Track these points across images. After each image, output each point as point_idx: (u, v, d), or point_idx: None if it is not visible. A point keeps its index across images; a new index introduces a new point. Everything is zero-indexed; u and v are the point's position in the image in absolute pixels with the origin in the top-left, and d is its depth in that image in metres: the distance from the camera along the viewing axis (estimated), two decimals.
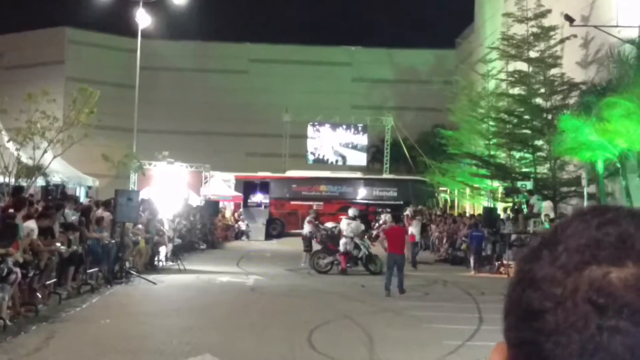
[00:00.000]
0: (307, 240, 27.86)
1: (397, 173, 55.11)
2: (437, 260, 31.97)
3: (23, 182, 25.18)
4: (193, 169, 46.23)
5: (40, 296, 15.61)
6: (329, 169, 56.63)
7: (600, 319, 0.93)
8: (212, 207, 40.33)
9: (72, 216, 20.10)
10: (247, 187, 46.01)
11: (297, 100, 63.08)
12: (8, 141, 26.29)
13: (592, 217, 1.03)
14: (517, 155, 36.32)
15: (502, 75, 37.96)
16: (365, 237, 26.66)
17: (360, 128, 61.62)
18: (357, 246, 25.06)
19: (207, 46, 70.33)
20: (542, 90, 33.94)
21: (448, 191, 48.91)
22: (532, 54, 34.46)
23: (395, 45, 71.76)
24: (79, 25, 66.42)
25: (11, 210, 15.56)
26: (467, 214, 39.34)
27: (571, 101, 31.75)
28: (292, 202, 47.13)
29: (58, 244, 16.76)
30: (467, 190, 44.03)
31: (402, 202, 43.74)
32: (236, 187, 47.82)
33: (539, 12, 34.12)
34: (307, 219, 29.43)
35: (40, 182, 27.50)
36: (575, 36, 32.04)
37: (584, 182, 27.56)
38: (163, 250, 27.15)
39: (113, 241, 21.08)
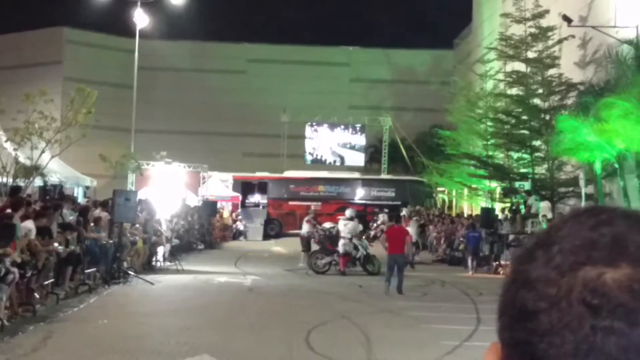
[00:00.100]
0: (306, 241, 27.88)
1: (395, 173, 55.12)
2: (434, 261, 31.98)
3: (21, 182, 25.16)
4: (191, 169, 46.21)
5: (37, 296, 15.60)
6: (326, 169, 56.65)
7: (594, 319, 0.93)
8: (210, 207, 40.31)
9: (69, 216, 20.09)
10: (245, 188, 46.02)
11: (295, 101, 63.08)
12: (6, 141, 26.28)
13: (587, 218, 1.03)
14: (515, 155, 36.32)
15: (500, 76, 37.98)
16: (363, 237, 26.65)
17: (358, 128, 61.65)
18: (355, 247, 25.06)
19: (205, 46, 70.33)
20: (540, 91, 33.95)
21: (446, 191, 48.96)
22: (530, 55, 34.47)
23: (393, 45, 71.85)
24: (77, 25, 66.44)
25: (9, 211, 15.53)
26: (465, 215, 39.35)
27: (569, 101, 31.76)
28: (290, 203, 47.15)
29: (56, 244, 16.75)
30: (465, 191, 44.06)
31: (400, 203, 43.77)
32: (234, 187, 47.82)
33: (537, 12, 34.12)
34: (306, 218, 29.46)
35: (38, 182, 27.48)
36: (573, 36, 32.04)
37: (581, 182, 27.57)
38: (161, 251, 27.13)
39: (111, 241, 21.07)
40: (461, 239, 30.21)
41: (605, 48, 28.80)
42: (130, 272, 21.82)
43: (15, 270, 13.56)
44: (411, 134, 57.22)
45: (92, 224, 20.70)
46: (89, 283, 19.05)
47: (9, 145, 25.80)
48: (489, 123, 38.23)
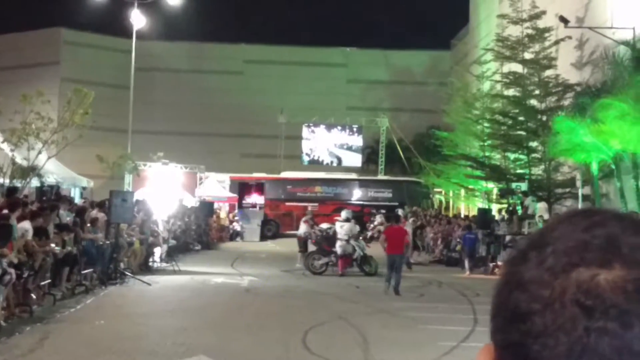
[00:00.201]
0: (303, 241, 27.89)
1: (392, 174, 55.14)
2: (431, 262, 31.99)
3: (17, 183, 25.15)
4: (188, 170, 46.25)
5: (34, 297, 15.59)
6: (324, 170, 56.69)
7: (587, 320, 0.93)
8: (207, 208, 40.31)
9: (66, 217, 20.08)
10: (242, 188, 45.99)
11: (292, 101, 63.10)
12: (2, 142, 26.24)
13: (580, 219, 1.03)
14: (512, 156, 36.34)
15: (497, 77, 37.96)
16: (361, 238, 26.64)
17: (355, 129, 61.69)
18: (352, 248, 25.04)
19: (202, 47, 70.31)
20: (537, 92, 33.96)
21: (443, 192, 48.97)
22: (527, 56, 34.48)
23: (390, 46, 71.92)
24: (74, 26, 66.43)
25: (5, 211, 15.52)
26: (462, 216, 39.36)
27: (566, 102, 31.78)
28: (287, 203, 47.13)
29: (52, 245, 16.74)
30: (462, 192, 44.08)
31: (397, 203, 43.75)
32: (231, 188, 47.80)
33: (534, 13, 34.12)
34: (304, 219, 29.47)
35: (34, 183, 27.47)
36: (570, 37, 32.06)
37: (578, 183, 27.60)
38: (158, 251, 27.12)
39: (107, 242, 21.05)
40: (458, 239, 30.23)
41: (602, 49, 28.83)
42: (127, 272, 21.81)
43: (12, 270, 13.55)
44: (408, 135, 57.24)
45: (89, 225, 20.69)
46: (86, 284, 19.04)
47: (5, 146, 25.77)
48: (486, 124, 38.21)
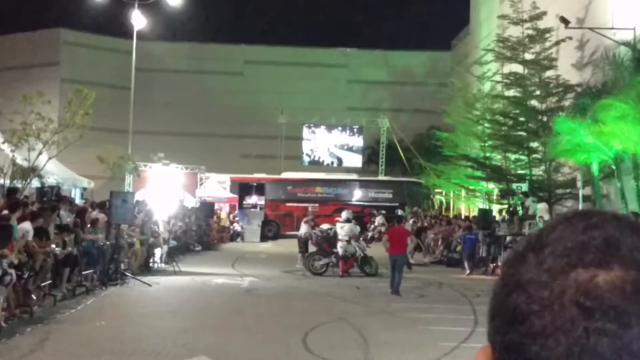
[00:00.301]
0: (303, 242, 27.89)
1: (392, 175, 55.11)
2: (432, 262, 31.98)
3: (18, 184, 25.14)
4: (188, 171, 46.24)
5: (35, 298, 15.59)
6: (324, 170, 56.70)
7: (587, 321, 0.94)
8: (208, 208, 40.31)
9: (67, 218, 20.08)
10: (243, 189, 45.97)
11: (292, 102, 63.09)
12: (3, 142, 26.25)
13: (578, 221, 1.03)
14: (513, 157, 36.34)
15: (498, 77, 37.98)
16: (361, 238, 26.63)
17: (355, 130, 61.69)
18: (353, 248, 25.01)
19: (203, 48, 70.32)
20: (538, 92, 33.97)
21: (443, 193, 48.96)
22: (528, 56, 34.49)
23: (390, 47, 71.93)
24: (74, 26, 66.43)
25: (6, 212, 15.53)
26: (462, 216, 39.35)
27: (566, 103, 31.80)
28: (288, 204, 47.11)
29: (53, 246, 16.74)
30: (463, 192, 44.08)
31: (397, 204, 43.74)
32: (231, 188, 47.79)
33: (535, 14, 34.13)
34: (305, 219, 29.49)
35: (35, 183, 27.46)
36: (570, 38, 32.06)
37: (579, 184, 27.63)
38: (158, 252, 27.11)
39: (108, 243, 21.05)
40: (458, 240, 30.23)
41: (603, 50, 28.85)
42: (127, 273, 21.81)
43: (13, 271, 13.55)
44: (409, 136, 57.21)
45: (89, 226, 20.69)
46: (86, 284, 19.05)
47: (6, 147, 25.77)
48: (487, 124, 38.22)
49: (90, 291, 18.68)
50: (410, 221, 35.93)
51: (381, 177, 54.21)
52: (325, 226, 27.48)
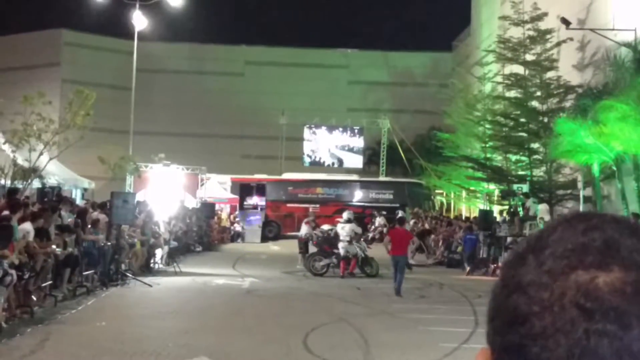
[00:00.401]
0: (304, 243, 27.88)
1: (393, 176, 55.10)
2: (433, 263, 31.98)
3: (19, 184, 25.15)
4: (189, 171, 46.22)
5: (35, 298, 15.59)
6: (325, 171, 56.74)
7: (587, 322, 0.94)
8: (208, 209, 40.32)
9: (68, 218, 20.08)
10: (243, 190, 45.97)
11: (293, 103, 63.09)
12: (4, 143, 26.26)
13: (578, 222, 1.04)
14: (513, 158, 36.36)
15: (499, 78, 38.02)
16: (362, 239, 26.62)
17: (356, 131, 61.75)
18: (355, 249, 24.98)
19: (203, 48, 70.36)
20: (539, 93, 33.99)
21: (444, 194, 48.96)
22: (529, 57, 34.51)
23: (391, 47, 71.91)
24: (75, 27, 66.43)
25: (6, 212, 15.53)
26: (463, 217, 39.35)
27: (567, 104, 31.81)
28: (289, 205, 47.10)
29: (54, 246, 16.75)
30: (463, 193, 44.09)
31: (398, 205, 43.77)
32: (232, 189, 47.80)
33: (536, 15, 34.14)
34: (305, 220, 29.50)
35: (36, 184, 27.47)
36: (571, 39, 32.07)
37: (579, 185, 27.61)
38: (159, 253, 27.12)
39: (109, 243, 21.06)
40: (459, 241, 30.23)
41: (604, 51, 28.84)
42: (128, 274, 21.82)
43: (13, 272, 13.55)
44: (409, 136, 57.23)
45: (90, 226, 20.70)
46: (87, 285, 19.05)
47: (7, 147, 25.78)
48: (487, 125, 38.25)
49: (90, 292, 18.68)
50: (411, 222, 35.93)
51: (382, 178, 54.20)
52: (326, 227, 27.48)
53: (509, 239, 26.82)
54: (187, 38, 70.20)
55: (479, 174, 37.94)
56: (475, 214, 37.90)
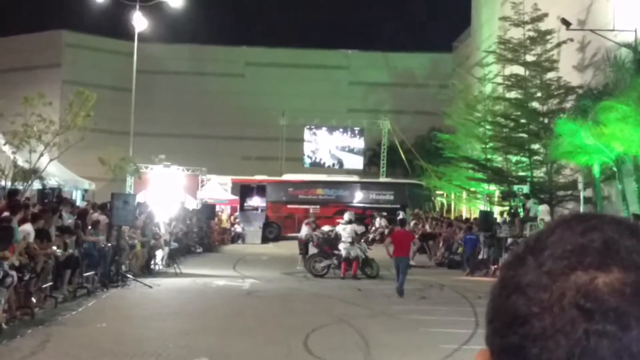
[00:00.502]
0: (304, 244, 27.87)
1: (393, 176, 55.07)
2: (434, 264, 31.96)
3: (19, 186, 25.15)
4: (189, 173, 46.24)
5: (36, 300, 15.59)
6: (325, 172, 56.72)
7: (587, 323, 0.94)
8: (209, 210, 40.32)
9: (68, 219, 20.09)
10: (244, 191, 45.96)
11: (293, 104, 63.09)
12: (4, 144, 26.26)
13: (577, 223, 1.04)
14: (514, 159, 36.37)
15: (499, 79, 38.05)
16: (362, 240, 26.60)
17: (356, 131, 61.78)
18: (356, 250, 24.93)
19: (204, 49, 70.37)
20: (539, 94, 34.01)
21: (444, 195, 48.95)
22: (529, 58, 34.52)
23: (392, 48, 71.90)
24: (76, 28, 66.42)
25: (7, 214, 15.53)
26: (463, 218, 39.33)
27: (568, 105, 31.81)
28: (289, 206, 47.09)
29: (54, 248, 16.75)
30: (464, 194, 44.09)
31: (398, 206, 43.78)
32: (233, 190, 47.79)
33: (536, 16, 34.16)
34: (306, 221, 29.49)
35: (36, 185, 27.48)
36: (571, 40, 32.10)
37: (580, 186, 27.60)
38: (159, 254, 27.11)
39: (109, 244, 21.06)
40: (459, 242, 30.24)
41: (604, 51, 28.85)
42: (128, 275, 21.82)
43: (14, 273, 13.55)
44: (410, 137, 57.22)
45: (90, 227, 20.69)
46: (88, 286, 19.04)
47: (7, 149, 25.78)
48: (488, 126, 38.26)
49: (91, 293, 18.68)
50: (412, 223, 35.91)
51: (382, 179, 54.16)
52: (326, 228, 27.47)
53: (509, 240, 26.82)
54: (187, 39, 70.31)
55: (480, 175, 37.96)
56: (475, 215, 37.91)
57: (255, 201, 45.45)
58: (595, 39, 30.10)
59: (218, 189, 47.92)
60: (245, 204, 45.16)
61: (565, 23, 30.14)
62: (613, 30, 28.53)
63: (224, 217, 45.54)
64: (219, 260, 31.40)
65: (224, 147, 65.22)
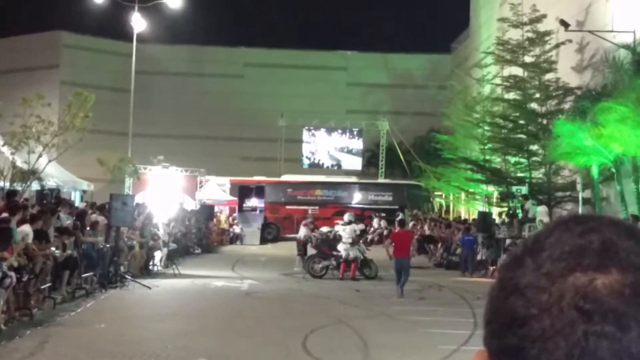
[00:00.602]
0: (302, 245, 27.86)
1: (392, 177, 55.10)
2: (433, 265, 31.98)
3: (18, 186, 25.14)
4: (188, 173, 46.23)
5: (34, 301, 15.59)
6: (324, 173, 56.68)
7: (586, 324, 0.94)
8: (207, 211, 40.30)
9: (67, 220, 20.08)
10: (242, 192, 45.93)
11: (292, 105, 63.04)
12: (3, 145, 26.23)
13: (575, 225, 1.04)
14: (512, 160, 36.37)
15: (498, 80, 38.04)
16: (361, 241, 26.58)
17: (355, 132, 61.74)
18: (356, 250, 24.90)
19: (202, 50, 70.34)
20: (537, 95, 34.00)
21: (443, 196, 48.95)
22: (527, 59, 34.52)
23: (390, 49, 71.85)
24: (74, 29, 66.43)
25: (5, 215, 15.53)
26: (462, 219, 39.34)
27: (566, 106, 31.83)
28: (288, 207, 47.07)
29: (53, 249, 16.74)
30: (462, 195, 44.09)
31: (397, 207, 43.79)
32: (231, 191, 47.75)
33: (534, 17, 34.16)
34: (304, 222, 29.46)
35: (35, 186, 27.46)
36: (570, 41, 32.12)
37: (578, 187, 27.62)
38: (158, 255, 27.09)
39: (108, 245, 21.05)
40: (458, 243, 30.25)
41: (603, 52, 28.88)
42: (127, 276, 21.80)
43: (13, 274, 13.55)
44: (408, 138, 57.19)
45: (89, 228, 20.69)
46: (86, 287, 19.04)
47: (6, 149, 25.76)
48: (486, 127, 38.26)
49: (90, 294, 18.67)
50: (410, 224, 35.92)
51: (381, 180, 54.17)
52: (325, 229, 27.47)
53: (507, 241, 26.83)
54: (186, 40, 70.24)
55: (478, 176, 37.97)
56: (474, 215, 37.91)
57: (254, 202, 45.41)
58: (594, 40, 30.11)
59: (217, 189, 47.87)
60: (244, 205, 45.13)
61: (564, 24, 30.15)
62: (612, 31, 28.55)
63: (223, 218, 45.53)
64: (217, 261, 31.39)
65: (222, 148, 65.20)
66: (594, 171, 26.50)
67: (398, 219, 28.23)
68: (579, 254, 0.99)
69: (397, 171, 57.67)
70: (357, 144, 61.95)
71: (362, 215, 42.01)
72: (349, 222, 25.85)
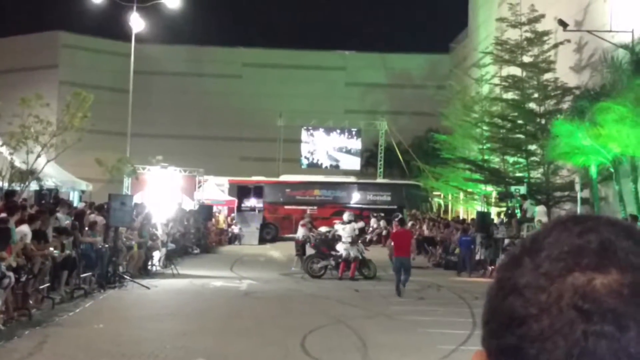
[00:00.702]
0: (301, 245, 27.84)
1: (390, 177, 55.11)
2: (431, 265, 31.98)
3: (16, 187, 25.12)
4: (187, 174, 46.20)
5: (33, 301, 15.58)
6: (322, 173, 56.66)
7: (585, 324, 0.94)
8: (206, 211, 40.28)
9: (65, 220, 20.07)
10: (241, 192, 45.92)
11: (291, 105, 63.05)
12: (1, 145, 26.22)
13: (573, 224, 1.04)
14: (511, 159, 36.38)
15: (496, 80, 38.03)
16: (359, 241, 26.56)
17: (354, 132, 61.73)
18: (356, 250, 24.87)
19: (201, 50, 70.32)
20: (536, 95, 34.02)
21: (442, 196, 48.96)
22: (526, 59, 34.54)
23: (389, 49, 71.88)
24: (73, 29, 66.41)
25: (4, 215, 15.52)
26: (461, 219, 39.34)
27: (565, 106, 31.83)
28: (286, 207, 47.06)
29: (51, 249, 16.73)
30: (461, 195, 44.10)
31: (396, 207, 43.78)
32: (230, 191, 47.75)
33: (533, 17, 34.18)
34: (301, 222, 29.43)
35: (33, 186, 27.44)
36: (568, 41, 32.12)
37: (577, 186, 27.63)
38: (157, 255, 27.08)
39: (106, 245, 21.04)
40: (456, 243, 30.26)
41: (601, 52, 28.89)
42: (125, 276, 21.80)
43: (11, 274, 13.55)
44: (407, 138, 57.20)
45: (87, 228, 20.68)
46: (85, 287, 19.03)
47: (4, 150, 25.74)
48: (485, 127, 38.26)
49: (88, 294, 18.65)
50: (409, 224, 35.91)
51: (379, 180, 54.16)
52: (323, 229, 27.44)
53: (506, 241, 26.83)
54: (184, 40, 70.24)
55: (477, 176, 37.98)
56: (473, 215, 37.91)
57: (253, 202, 45.42)
58: (592, 40, 30.12)
59: (215, 189, 47.86)
60: (243, 205, 45.11)
61: (562, 24, 30.15)
62: (610, 31, 28.55)
63: (222, 218, 45.50)
64: (216, 261, 31.38)
65: (221, 148, 65.20)
66: (593, 171, 26.51)
67: (398, 218, 28.21)
68: (577, 254, 0.99)
69: (395, 171, 57.68)
70: (356, 144, 61.94)
71: (360, 215, 41.98)
72: (349, 221, 25.83)
